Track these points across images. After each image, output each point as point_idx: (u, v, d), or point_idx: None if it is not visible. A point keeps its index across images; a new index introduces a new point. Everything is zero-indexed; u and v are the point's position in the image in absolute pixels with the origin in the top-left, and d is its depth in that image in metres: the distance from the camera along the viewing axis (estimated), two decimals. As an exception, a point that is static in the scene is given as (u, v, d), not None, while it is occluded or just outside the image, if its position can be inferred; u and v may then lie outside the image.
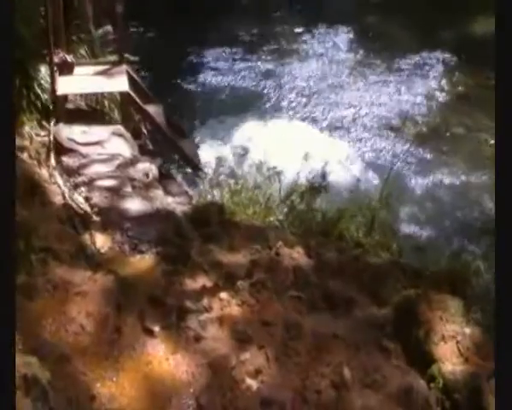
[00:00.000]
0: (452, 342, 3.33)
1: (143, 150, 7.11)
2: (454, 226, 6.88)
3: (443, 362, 3.25)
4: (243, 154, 7.74)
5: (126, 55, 7.56)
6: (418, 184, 7.89)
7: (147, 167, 6.04)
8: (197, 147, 7.77)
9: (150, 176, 5.91)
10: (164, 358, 3.21)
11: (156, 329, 3.36)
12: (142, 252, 4.27)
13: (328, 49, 11.18)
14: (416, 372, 3.24)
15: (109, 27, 8.48)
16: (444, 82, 10.32)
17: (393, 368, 3.25)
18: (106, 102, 7.57)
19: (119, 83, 7.13)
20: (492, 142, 8.62)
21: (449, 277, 3.84)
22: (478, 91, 9.82)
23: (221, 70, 10.29)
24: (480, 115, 9.31)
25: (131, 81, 7.27)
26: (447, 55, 10.88)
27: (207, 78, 10.11)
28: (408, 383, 3.16)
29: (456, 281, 3.77)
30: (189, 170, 7.36)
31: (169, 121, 7.54)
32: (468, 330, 3.40)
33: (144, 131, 7.69)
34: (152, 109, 7.36)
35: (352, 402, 3.02)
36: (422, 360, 3.31)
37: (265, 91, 9.74)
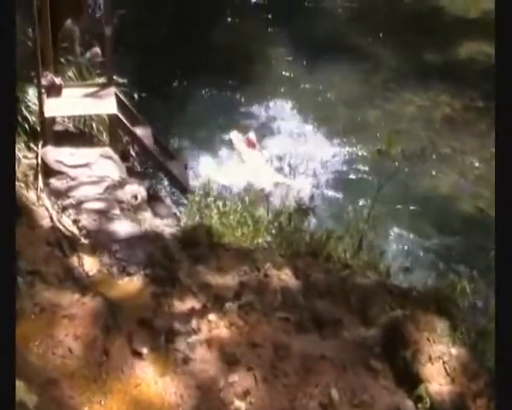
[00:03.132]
0: (439, 363, 3.36)
1: (132, 172, 7.12)
2: (441, 247, 6.94)
3: (430, 382, 3.28)
4: (232, 175, 7.78)
5: (115, 78, 7.60)
6: (405, 204, 7.96)
7: (135, 189, 6.05)
8: (185, 169, 7.79)
9: (139, 198, 5.92)
10: (152, 380, 3.20)
11: (144, 351, 3.36)
12: (130, 274, 4.26)
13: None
14: (404, 393, 3.26)
15: (97, 49, 8.54)
16: (429, 104, 10.44)
17: (381, 388, 3.27)
18: (94, 125, 7.58)
19: (107, 105, 7.14)
20: (477, 164, 8.74)
21: (435, 297, 3.87)
22: (463, 113, 9.97)
23: (209, 96, 10.34)
24: (465, 137, 9.44)
25: (120, 103, 7.29)
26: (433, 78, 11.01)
27: (195, 102, 10.16)
28: (395, 403, 3.18)
29: (443, 301, 3.80)
30: (177, 192, 7.38)
31: (157, 143, 7.57)
32: (454, 351, 3.43)
33: (132, 153, 7.70)
34: (140, 131, 7.38)
35: (341, 423, 3.03)
36: (410, 380, 3.33)
37: (254, 114, 9.78)
